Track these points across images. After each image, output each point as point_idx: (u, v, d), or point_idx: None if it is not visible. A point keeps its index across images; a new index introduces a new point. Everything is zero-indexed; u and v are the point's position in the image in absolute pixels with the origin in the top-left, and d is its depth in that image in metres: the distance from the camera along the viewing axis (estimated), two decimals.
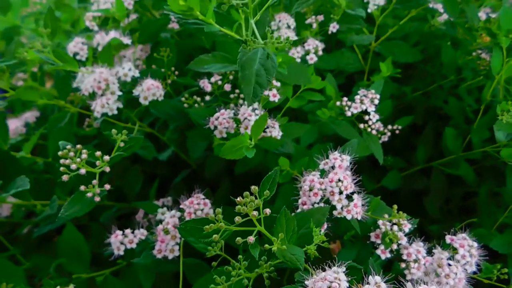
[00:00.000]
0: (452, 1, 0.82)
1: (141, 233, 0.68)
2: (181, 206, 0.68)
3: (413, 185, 1.06)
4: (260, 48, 0.55)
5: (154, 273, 0.68)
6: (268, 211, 0.46)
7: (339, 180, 0.61)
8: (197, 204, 0.66)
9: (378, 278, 0.46)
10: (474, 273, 0.70)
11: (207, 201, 0.68)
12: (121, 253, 0.67)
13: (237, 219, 0.45)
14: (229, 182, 1.01)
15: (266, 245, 0.46)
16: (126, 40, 0.80)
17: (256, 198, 0.47)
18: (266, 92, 0.70)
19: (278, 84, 0.71)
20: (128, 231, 0.68)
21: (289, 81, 0.71)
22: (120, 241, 0.67)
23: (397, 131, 0.97)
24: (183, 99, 0.82)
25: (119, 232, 0.68)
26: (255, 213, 0.45)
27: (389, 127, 0.95)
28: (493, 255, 0.83)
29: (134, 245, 0.68)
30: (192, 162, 1.06)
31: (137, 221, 0.85)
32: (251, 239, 0.45)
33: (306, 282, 0.45)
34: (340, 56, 1.03)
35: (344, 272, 0.47)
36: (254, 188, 0.48)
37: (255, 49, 0.55)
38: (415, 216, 1.09)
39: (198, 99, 0.82)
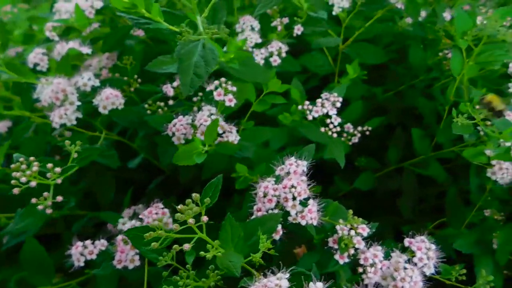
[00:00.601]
0: (413, 2, 0.82)
1: (101, 244, 0.68)
2: (140, 216, 0.68)
3: (387, 185, 1.06)
4: (201, 41, 0.55)
5: (115, 283, 0.68)
6: (205, 218, 0.46)
7: (293, 186, 0.61)
8: (155, 214, 0.66)
9: (319, 284, 0.46)
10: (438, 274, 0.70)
11: (165, 210, 0.67)
12: (81, 264, 0.67)
13: (175, 226, 0.45)
14: (201, 188, 1.01)
15: (202, 252, 0.46)
16: (86, 50, 0.80)
17: (197, 205, 0.47)
18: (221, 97, 0.70)
19: (234, 88, 0.71)
20: (88, 242, 0.68)
21: (246, 79, 0.71)
22: (80, 252, 0.67)
23: (367, 132, 0.97)
24: (146, 105, 0.82)
25: (79, 243, 0.68)
26: (192, 220, 0.45)
27: (359, 128, 0.96)
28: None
29: (94, 256, 0.67)
30: (165, 168, 1.05)
31: (108, 229, 0.85)
32: (187, 246, 0.45)
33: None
34: (310, 58, 1.03)
35: (287, 278, 0.47)
36: (195, 195, 0.48)
37: (196, 42, 0.55)
38: (391, 217, 1.10)
39: (162, 104, 0.82)
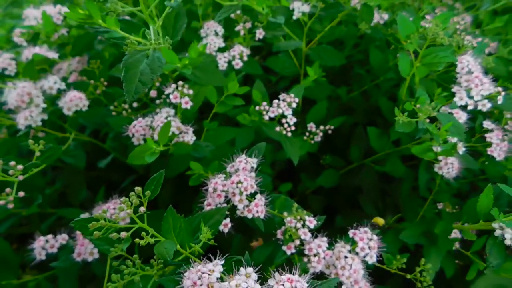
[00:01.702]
0: (367, 6, 0.86)
1: (62, 238, 0.72)
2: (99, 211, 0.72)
3: (351, 182, 1.10)
4: (151, 50, 0.59)
5: (75, 275, 0.71)
6: (142, 209, 0.50)
7: (240, 181, 0.65)
8: (113, 209, 0.70)
9: (250, 269, 0.50)
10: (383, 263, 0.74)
11: (123, 206, 0.71)
12: (43, 257, 0.71)
13: (114, 216, 0.49)
14: (172, 186, 1.05)
15: (137, 240, 0.50)
16: (53, 55, 0.84)
17: (140, 198, 0.51)
18: (177, 100, 0.74)
19: (191, 91, 0.75)
20: (49, 236, 0.72)
21: (202, 83, 0.75)
22: (42, 246, 0.71)
23: (329, 131, 1.01)
24: (111, 107, 0.86)
25: (42, 238, 0.72)
26: (129, 211, 0.49)
27: (321, 127, 1.00)
28: None
29: (55, 250, 0.71)
30: (137, 168, 1.09)
31: None
32: (123, 234, 0.49)
33: (184, 273, 0.49)
34: (276, 61, 1.07)
35: (221, 264, 0.50)
36: (137, 189, 0.52)
37: (143, 52, 0.59)
38: (355, 211, 1.13)
39: (126, 106, 0.86)
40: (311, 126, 0.99)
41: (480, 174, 1.01)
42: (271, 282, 0.48)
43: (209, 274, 0.48)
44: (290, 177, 1.21)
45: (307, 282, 0.49)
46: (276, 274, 0.49)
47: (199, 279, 0.48)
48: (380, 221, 0.72)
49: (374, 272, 0.73)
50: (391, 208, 1.13)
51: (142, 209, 0.50)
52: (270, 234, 0.77)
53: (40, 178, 1.02)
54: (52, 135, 0.90)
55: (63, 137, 0.92)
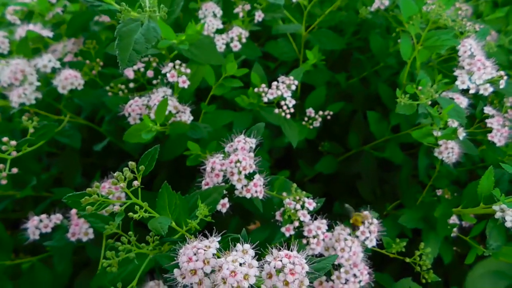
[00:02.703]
0: None
1: (56, 218, 0.71)
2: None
3: (349, 169, 1.09)
4: (146, 19, 0.57)
5: (69, 255, 0.70)
6: (136, 183, 0.49)
7: (238, 160, 0.64)
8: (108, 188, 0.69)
9: (247, 246, 0.49)
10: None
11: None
12: (36, 237, 0.69)
13: (108, 191, 0.48)
14: (168, 171, 1.03)
15: (130, 213, 0.49)
16: (47, 33, 0.82)
17: (133, 173, 0.50)
18: (175, 79, 0.72)
19: (188, 71, 0.74)
20: (43, 216, 0.70)
21: (200, 61, 0.73)
22: (36, 226, 0.70)
23: (328, 117, 1.00)
24: (107, 88, 0.84)
25: (35, 218, 0.71)
26: (123, 184, 0.48)
27: (320, 112, 0.99)
28: None
29: (49, 229, 0.70)
30: (132, 153, 1.08)
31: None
32: (116, 207, 0.48)
33: (179, 250, 0.48)
34: (275, 45, 1.06)
35: (218, 241, 0.49)
36: (131, 163, 0.51)
37: (138, 21, 0.57)
38: (353, 199, 1.13)
39: (123, 87, 0.85)
40: (310, 111, 0.98)
41: (479, 162, 1.00)
42: (268, 258, 0.47)
43: (204, 250, 0.47)
44: (287, 165, 1.20)
45: (305, 260, 0.48)
46: (274, 250, 0.48)
47: (195, 254, 0.46)
48: (359, 220, 0.67)
49: (372, 257, 0.72)
50: (389, 196, 1.12)
51: (136, 183, 0.48)
52: (268, 217, 0.76)
53: (35, 163, 1.01)
54: (48, 118, 0.88)
55: (59, 120, 0.90)
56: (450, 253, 0.86)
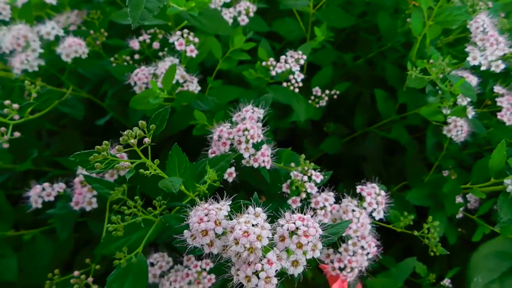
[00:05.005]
0: None
1: (59, 186, 0.69)
2: None
3: (354, 150, 1.08)
4: None
5: (71, 224, 0.69)
6: (146, 140, 0.47)
7: (246, 129, 0.62)
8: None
9: (259, 209, 0.47)
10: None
11: (123, 154, 0.68)
12: (39, 205, 0.68)
13: (118, 149, 0.47)
14: (169, 148, 1.02)
15: (141, 170, 0.47)
16: (50, 0, 0.80)
17: (144, 132, 0.49)
18: (183, 47, 0.71)
19: (196, 39, 0.72)
20: (46, 184, 0.69)
21: (208, 30, 0.72)
22: (38, 194, 0.68)
23: (335, 96, 0.99)
24: (112, 59, 0.82)
25: (38, 186, 0.69)
26: (134, 141, 0.46)
27: (327, 91, 0.97)
28: None
29: (52, 198, 0.68)
30: None
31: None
32: (126, 164, 0.46)
33: (189, 211, 0.47)
34: (282, 23, 1.04)
35: (229, 205, 0.48)
36: (141, 122, 0.49)
37: None
38: (357, 180, 1.12)
39: (128, 58, 0.83)
40: (316, 90, 0.97)
41: (485, 145, 1.00)
42: (281, 221, 0.46)
43: (216, 211, 0.45)
44: (292, 147, 1.19)
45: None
46: (287, 213, 0.47)
47: (206, 215, 0.45)
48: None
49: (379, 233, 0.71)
50: (394, 178, 1.11)
51: (146, 140, 0.47)
52: (274, 193, 0.75)
53: (36, 141, 0.99)
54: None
55: (61, 93, 0.88)
56: (455, 234, 0.85)
